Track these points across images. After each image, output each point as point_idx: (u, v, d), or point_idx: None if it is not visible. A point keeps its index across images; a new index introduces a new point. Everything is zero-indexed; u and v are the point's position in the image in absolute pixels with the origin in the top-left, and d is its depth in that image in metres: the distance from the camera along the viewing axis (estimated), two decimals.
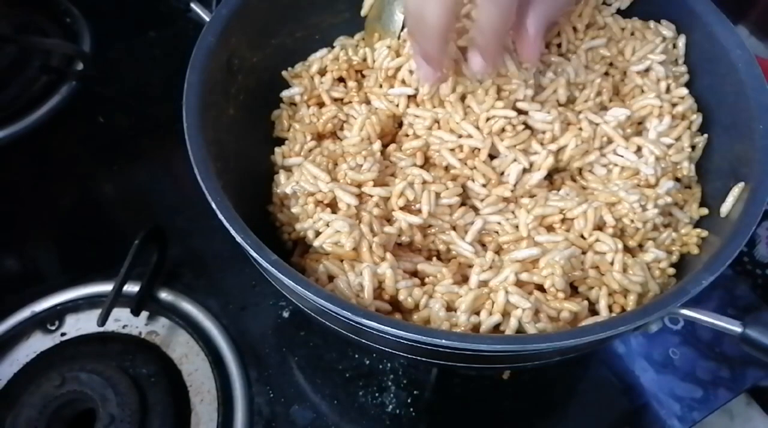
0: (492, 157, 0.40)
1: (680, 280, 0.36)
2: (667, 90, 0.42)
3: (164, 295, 0.47)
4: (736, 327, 0.30)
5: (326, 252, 0.36)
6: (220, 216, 0.32)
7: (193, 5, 0.42)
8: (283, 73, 0.45)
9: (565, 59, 0.43)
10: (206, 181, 0.33)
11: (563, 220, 0.38)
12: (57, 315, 0.46)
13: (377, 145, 0.41)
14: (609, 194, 0.38)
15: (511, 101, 0.40)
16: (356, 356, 0.45)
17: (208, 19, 0.40)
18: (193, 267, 0.48)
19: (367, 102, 0.44)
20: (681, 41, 0.43)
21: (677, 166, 0.40)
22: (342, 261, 0.36)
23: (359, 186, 0.38)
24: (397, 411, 0.43)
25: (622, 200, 0.37)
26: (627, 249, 0.37)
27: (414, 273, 0.37)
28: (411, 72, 0.42)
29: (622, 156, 0.40)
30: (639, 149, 0.40)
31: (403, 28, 0.45)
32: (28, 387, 0.40)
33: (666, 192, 0.38)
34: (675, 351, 0.47)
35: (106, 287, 0.45)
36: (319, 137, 0.44)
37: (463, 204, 0.40)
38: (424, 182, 0.38)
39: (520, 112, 0.40)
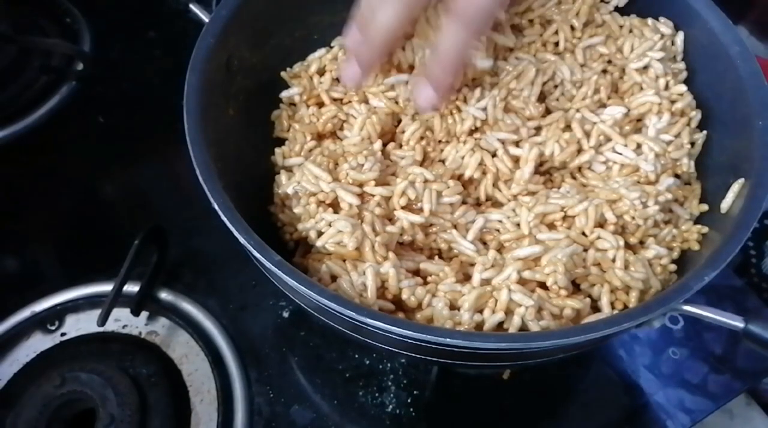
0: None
1: (681, 276, 0.36)
2: (666, 87, 0.42)
3: (164, 295, 0.47)
4: (738, 323, 0.30)
5: (329, 252, 0.36)
6: (223, 218, 0.32)
7: (192, 6, 0.42)
8: (282, 73, 0.45)
9: (560, 58, 0.43)
10: (208, 182, 0.33)
11: (564, 218, 0.38)
12: (57, 315, 0.46)
13: (378, 145, 0.41)
14: (609, 191, 0.38)
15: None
16: (356, 356, 0.45)
17: (207, 20, 0.40)
18: (193, 267, 0.48)
19: (366, 101, 0.44)
20: (679, 38, 0.43)
21: (677, 162, 0.40)
22: (344, 260, 0.36)
23: (361, 185, 0.38)
24: (397, 411, 0.43)
25: (622, 197, 0.37)
26: (628, 246, 0.37)
27: (416, 273, 0.37)
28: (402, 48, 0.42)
29: (620, 154, 0.40)
30: (638, 146, 0.40)
31: None
32: (28, 387, 0.40)
33: (666, 188, 0.38)
34: (675, 351, 0.47)
35: (106, 287, 0.45)
36: (319, 137, 0.44)
37: (464, 202, 0.40)
38: (426, 181, 0.38)
39: None
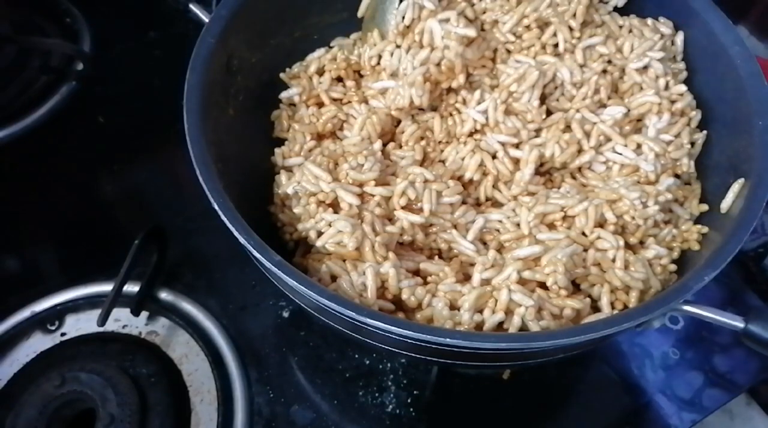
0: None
1: (681, 276, 0.36)
2: (666, 87, 0.42)
3: (164, 295, 0.47)
4: (737, 323, 0.30)
5: (329, 252, 0.36)
6: (223, 218, 0.32)
7: (192, 6, 0.42)
8: (281, 74, 0.45)
9: (560, 60, 0.43)
10: (208, 183, 0.33)
11: (564, 218, 0.38)
12: (57, 315, 0.46)
13: (378, 145, 0.41)
14: (609, 191, 0.38)
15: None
16: (356, 356, 0.45)
17: (207, 20, 0.40)
18: (193, 268, 0.48)
19: (366, 101, 0.44)
20: (679, 38, 0.43)
21: (677, 162, 0.40)
22: (344, 260, 0.36)
23: (361, 185, 0.38)
24: (397, 411, 0.43)
25: (622, 197, 0.37)
26: (628, 246, 0.37)
27: (416, 273, 0.37)
28: (391, 54, 0.43)
29: (620, 154, 0.40)
30: (639, 146, 0.40)
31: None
32: (29, 387, 0.40)
33: (666, 188, 0.38)
34: (675, 351, 0.47)
35: (106, 287, 0.45)
36: (319, 137, 0.44)
37: (464, 202, 0.40)
38: (426, 181, 0.38)
39: None
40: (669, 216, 0.39)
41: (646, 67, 0.42)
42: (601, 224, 0.38)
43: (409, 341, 0.30)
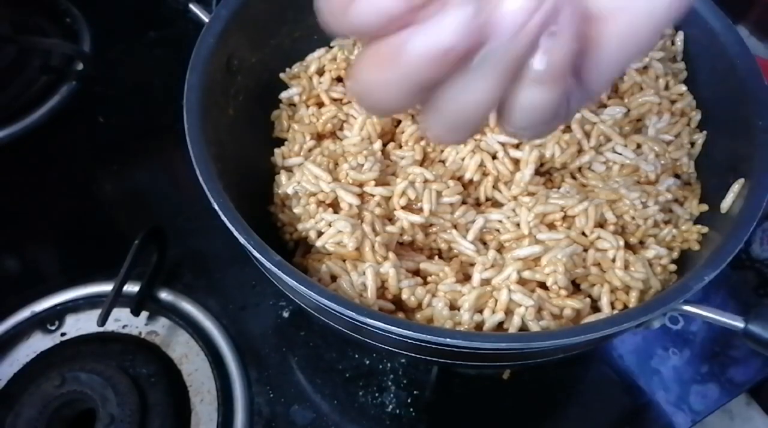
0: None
1: (681, 277, 0.36)
2: (666, 87, 0.42)
3: (164, 295, 0.47)
4: (738, 323, 0.30)
5: (328, 253, 0.36)
6: (223, 218, 0.32)
7: (192, 6, 0.42)
8: (281, 75, 0.45)
9: None
10: (208, 183, 0.33)
11: (564, 218, 0.38)
12: (57, 315, 0.46)
13: (378, 145, 0.41)
14: (609, 191, 0.38)
15: None
16: (356, 356, 0.45)
17: (207, 20, 0.40)
18: (193, 267, 0.48)
19: None
20: (679, 38, 0.43)
21: (677, 162, 0.40)
22: (344, 261, 0.36)
23: (361, 185, 0.38)
24: (397, 411, 0.43)
25: (622, 197, 0.37)
26: (628, 246, 0.37)
27: (416, 273, 0.37)
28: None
29: (620, 154, 0.40)
30: (639, 146, 0.40)
31: None
32: (28, 387, 0.40)
33: (666, 188, 0.38)
34: (675, 351, 0.47)
35: (106, 287, 0.45)
36: (319, 137, 0.44)
37: (464, 202, 0.40)
38: (425, 181, 0.38)
39: None
40: (669, 217, 0.39)
41: (646, 67, 0.42)
42: (601, 224, 0.38)
43: (409, 341, 0.30)
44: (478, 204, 0.41)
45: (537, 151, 0.40)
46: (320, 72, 0.46)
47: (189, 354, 0.44)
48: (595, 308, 0.36)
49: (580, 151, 0.41)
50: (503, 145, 0.41)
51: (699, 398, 0.45)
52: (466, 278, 0.37)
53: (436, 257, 0.39)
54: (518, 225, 0.38)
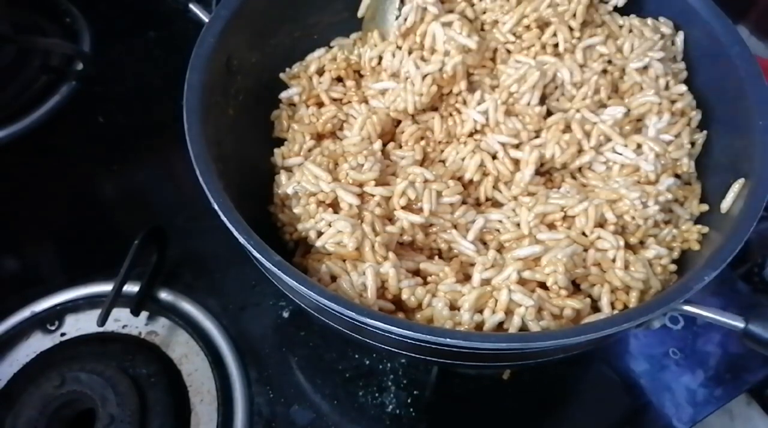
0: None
1: (681, 277, 0.36)
2: (666, 87, 0.42)
3: (164, 295, 0.47)
4: (738, 323, 0.30)
5: (328, 253, 0.36)
6: (223, 218, 0.32)
7: (191, 6, 0.42)
8: (281, 74, 0.45)
9: (560, 60, 0.43)
10: (208, 183, 0.33)
11: (564, 218, 0.38)
12: (57, 315, 0.46)
13: (378, 145, 0.41)
14: (610, 191, 0.38)
15: None
16: (356, 356, 0.45)
17: (207, 20, 0.40)
18: (192, 268, 0.48)
19: (366, 101, 0.44)
20: (679, 38, 0.43)
21: (677, 162, 0.40)
22: (344, 261, 0.36)
23: (361, 185, 0.38)
24: (397, 411, 0.43)
25: (623, 197, 0.37)
26: (628, 246, 0.37)
27: (416, 273, 0.37)
28: (393, 55, 0.42)
29: (620, 154, 0.40)
30: (639, 146, 0.40)
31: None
32: (28, 387, 0.40)
33: (666, 188, 0.38)
34: (675, 352, 0.47)
35: (106, 287, 0.45)
36: (319, 137, 0.44)
37: (464, 202, 0.40)
38: (426, 181, 0.38)
39: None
40: (669, 216, 0.39)
41: (646, 67, 0.42)
42: (601, 224, 0.38)
43: (409, 341, 0.30)
44: (478, 204, 0.41)
45: (537, 151, 0.40)
46: (320, 72, 0.46)
47: (189, 354, 0.44)
48: (595, 308, 0.36)
49: (581, 151, 0.41)
50: (503, 145, 0.41)
51: (699, 398, 0.45)
52: (466, 278, 0.37)
53: (436, 257, 0.39)
54: (518, 225, 0.38)
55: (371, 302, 0.34)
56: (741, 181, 0.36)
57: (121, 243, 0.44)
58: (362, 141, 0.41)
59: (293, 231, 0.39)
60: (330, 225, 0.36)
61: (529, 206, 0.38)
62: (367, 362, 0.45)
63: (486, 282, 0.35)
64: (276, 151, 0.42)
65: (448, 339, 0.29)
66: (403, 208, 0.38)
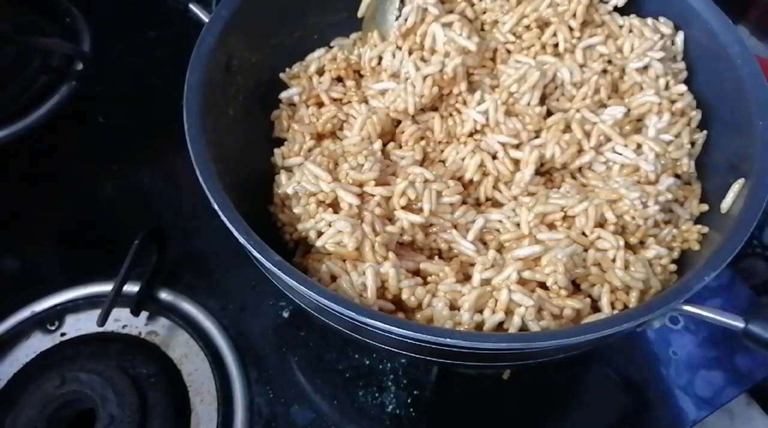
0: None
1: (681, 277, 0.36)
2: (666, 87, 0.42)
3: (164, 295, 0.47)
4: (738, 323, 0.30)
5: (328, 252, 0.36)
6: (223, 218, 0.32)
7: (191, 6, 0.42)
8: (281, 74, 0.45)
9: (560, 60, 0.43)
10: (208, 183, 0.33)
11: (564, 218, 0.38)
12: (57, 315, 0.45)
13: (378, 145, 0.41)
14: (610, 191, 0.38)
15: None
16: (356, 356, 0.45)
17: (207, 20, 0.40)
18: (192, 268, 0.48)
19: (366, 101, 0.44)
20: (679, 38, 0.43)
21: (677, 162, 0.40)
22: (344, 260, 0.36)
23: (361, 185, 0.38)
24: (397, 411, 0.43)
25: (622, 197, 0.37)
26: (628, 246, 0.37)
27: (416, 273, 0.37)
28: (393, 55, 0.42)
29: (620, 154, 0.40)
30: (639, 146, 0.40)
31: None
32: (28, 387, 0.40)
33: (666, 188, 0.38)
34: (675, 352, 0.47)
35: (106, 287, 0.45)
36: (319, 137, 0.44)
37: (464, 202, 0.40)
38: (426, 181, 0.38)
39: None
40: (669, 217, 0.39)
41: (646, 67, 0.42)
42: (601, 224, 0.38)
43: (409, 341, 0.30)
44: (478, 204, 0.41)
45: (537, 151, 0.40)
46: (320, 72, 0.46)
47: (189, 355, 0.44)
48: (595, 308, 0.36)
49: (581, 151, 0.41)
50: (503, 145, 0.41)
51: (699, 398, 0.45)
52: (466, 278, 0.36)
53: (436, 257, 0.39)
54: (518, 225, 0.38)
55: (371, 302, 0.34)
56: (741, 180, 0.36)
57: (121, 243, 0.44)
58: (362, 141, 0.41)
59: (293, 231, 0.39)
60: (330, 225, 0.36)
61: (529, 206, 0.38)
62: (367, 362, 0.45)
63: (486, 282, 0.35)
64: (276, 150, 0.42)
65: (448, 339, 0.29)
66: (403, 207, 0.38)
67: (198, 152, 0.34)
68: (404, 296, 0.34)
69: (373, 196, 0.38)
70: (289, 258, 0.36)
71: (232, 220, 0.32)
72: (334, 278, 0.35)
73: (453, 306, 0.34)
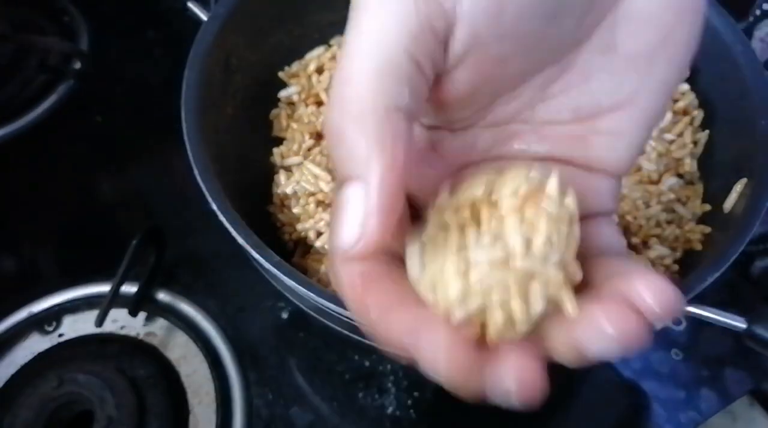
0: None
1: (684, 277, 0.36)
2: None
3: (162, 296, 0.46)
4: (740, 324, 0.30)
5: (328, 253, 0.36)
6: (222, 218, 0.31)
7: (190, 4, 0.42)
8: (280, 73, 0.45)
9: None
10: (207, 183, 0.33)
11: None
12: (54, 315, 0.45)
13: None
14: None
15: None
16: (356, 357, 0.45)
17: (205, 18, 0.40)
18: (191, 268, 0.48)
19: None
20: None
21: (679, 162, 0.40)
22: None
23: None
24: (398, 413, 0.43)
25: (625, 197, 0.37)
26: (631, 246, 0.37)
27: None
28: None
29: None
30: None
31: None
32: (26, 389, 0.40)
33: (669, 188, 0.38)
34: (677, 352, 0.46)
35: (104, 288, 0.44)
36: (318, 136, 0.44)
37: None
38: None
39: None
40: (672, 216, 0.39)
41: None
42: None
43: None
44: None
45: None
46: (319, 70, 0.46)
47: (187, 356, 0.44)
48: None
49: None
50: None
51: (701, 399, 0.45)
52: None
53: None
54: None
55: None
56: (744, 180, 0.36)
57: (119, 244, 0.44)
58: None
59: (292, 231, 0.39)
60: (329, 226, 0.36)
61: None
62: (367, 363, 0.45)
63: None
64: (275, 150, 0.42)
65: None
66: None
67: (196, 152, 0.34)
68: None
69: None
70: (288, 258, 0.36)
71: (230, 220, 0.31)
72: None
73: None
